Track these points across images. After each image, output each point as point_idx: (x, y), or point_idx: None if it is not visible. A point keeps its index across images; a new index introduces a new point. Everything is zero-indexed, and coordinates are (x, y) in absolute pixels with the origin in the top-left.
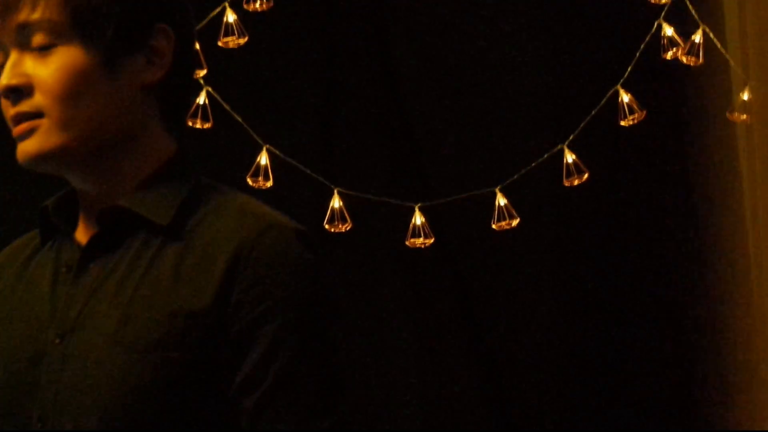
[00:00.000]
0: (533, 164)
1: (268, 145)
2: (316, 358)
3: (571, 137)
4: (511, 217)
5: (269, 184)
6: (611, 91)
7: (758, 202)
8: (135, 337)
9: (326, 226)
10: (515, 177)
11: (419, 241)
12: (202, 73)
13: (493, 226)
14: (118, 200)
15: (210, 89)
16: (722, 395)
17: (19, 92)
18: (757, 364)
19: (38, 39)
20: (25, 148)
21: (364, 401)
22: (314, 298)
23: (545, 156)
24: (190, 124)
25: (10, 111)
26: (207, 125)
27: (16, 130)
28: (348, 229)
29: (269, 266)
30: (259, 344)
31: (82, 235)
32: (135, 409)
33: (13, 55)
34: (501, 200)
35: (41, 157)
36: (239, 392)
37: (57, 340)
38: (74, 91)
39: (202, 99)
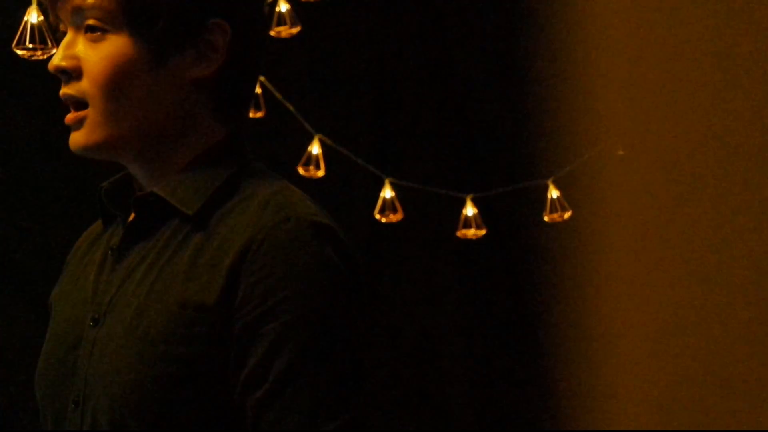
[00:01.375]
0: (586, 156)
1: (320, 135)
2: (323, 360)
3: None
4: (564, 210)
5: (321, 173)
6: None
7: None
8: (146, 328)
9: (377, 216)
10: (568, 169)
11: (471, 232)
12: None
13: (545, 219)
14: (157, 185)
15: (263, 78)
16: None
17: (68, 74)
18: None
19: (90, 24)
20: (75, 139)
21: (415, 389)
22: (327, 295)
23: (598, 148)
24: None
25: (61, 91)
26: (259, 114)
27: (66, 120)
28: (399, 219)
29: (278, 260)
30: (262, 342)
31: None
32: (142, 402)
33: (69, 35)
34: (553, 192)
35: (88, 148)
36: (242, 390)
37: (91, 324)
38: (118, 82)
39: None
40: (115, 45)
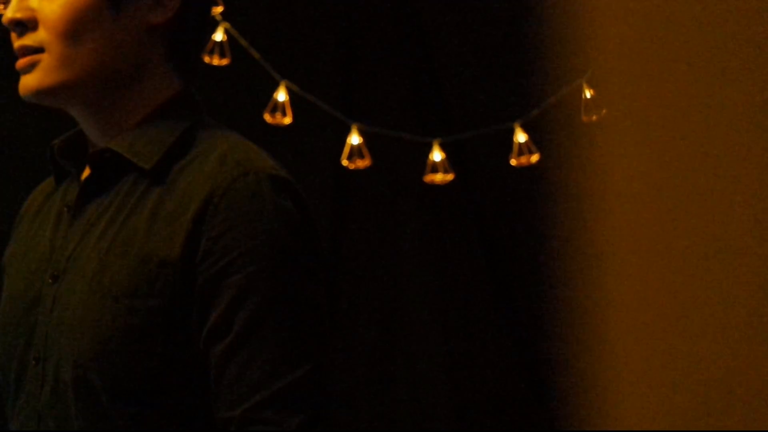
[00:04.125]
0: (551, 99)
1: (285, 81)
2: (284, 310)
3: (589, 72)
4: (531, 153)
5: (287, 120)
6: None
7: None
8: (109, 283)
9: (344, 163)
10: (534, 112)
11: (438, 177)
12: (219, 9)
13: (512, 162)
14: (112, 141)
15: (228, 25)
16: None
17: (23, 26)
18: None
19: None
20: (26, 83)
21: (383, 339)
22: (287, 247)
23: (563, 91)
24: (208, 60)
25: (15, 43)
26: (224, 62)
27: (18, 64)
28: (367, 165)
29: (238, 214)
30: (225, 294)
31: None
32: (106, 356)
33: None
34: (520, 135)
35: (41, 92)
36: (206, 342)
37: (50, 281)
38: (76, 29)
39: (219, 36)
40: None
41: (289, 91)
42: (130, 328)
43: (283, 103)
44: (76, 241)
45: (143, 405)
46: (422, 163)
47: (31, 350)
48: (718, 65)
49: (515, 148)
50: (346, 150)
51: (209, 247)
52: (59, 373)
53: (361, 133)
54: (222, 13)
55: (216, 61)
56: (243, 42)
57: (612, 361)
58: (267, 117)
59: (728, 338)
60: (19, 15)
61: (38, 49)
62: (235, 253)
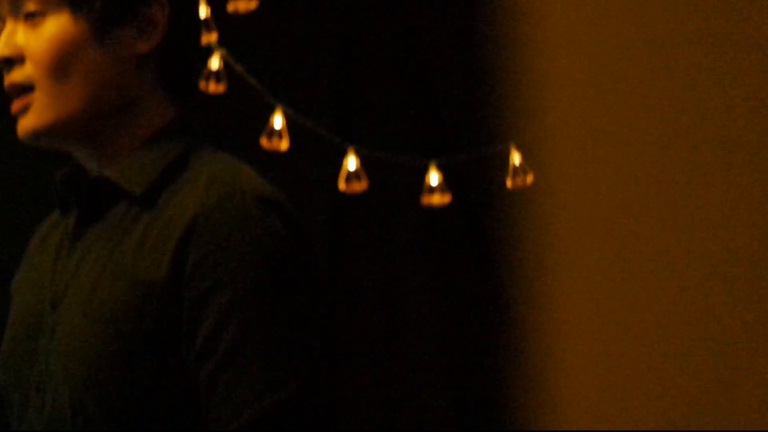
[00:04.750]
0: (546, 120)
1: (282, 106)
2: (270, 329)
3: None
4: (526, 174)
5: (284, 145)
6: None
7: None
8: (100, 308)
9: (341, 186)
10: (529, 134)
11: (436, 199)
12: (215, 36)
13: (508, 184)
14: (107, 169)
15: (223, 52)
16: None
17: (11, 63)
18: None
19: (29, 7)
20: (23, 125)
21: (382, 361)
22: (273, 266)
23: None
24: (204, 87)
25: (6, 81)
26: (221, 88)
27: (13, 109)
28: (364, 189)
29: (224, 234)
30: (211, 315)
31: None
32: (99, 381)
33: (8, 25)
34: (516, 157)
35: (38, 133)
36: (195, 363)
37: (50, 308)
38: (63, 63)
39: (215, 63)
40: (56, 24)
41: (286, 116)
42: (120, 352)
43: (279, 129)
44: (73, 268)
45: (138, 428)
46: (419, 186)
47: (34, 378)
48: (672, 103)
49: (510, 170)
50: (343, 173)
51: (195, 267)
52: (57, 398)
53: (358, 156)
54: (218, 39)
55: (212, 88)
56: (239, 68)
57: (562, 368)
58: (264, 142)
59: (674, 345)
60: (6, 52)
61: (28, 88)
62: (220, 273)
